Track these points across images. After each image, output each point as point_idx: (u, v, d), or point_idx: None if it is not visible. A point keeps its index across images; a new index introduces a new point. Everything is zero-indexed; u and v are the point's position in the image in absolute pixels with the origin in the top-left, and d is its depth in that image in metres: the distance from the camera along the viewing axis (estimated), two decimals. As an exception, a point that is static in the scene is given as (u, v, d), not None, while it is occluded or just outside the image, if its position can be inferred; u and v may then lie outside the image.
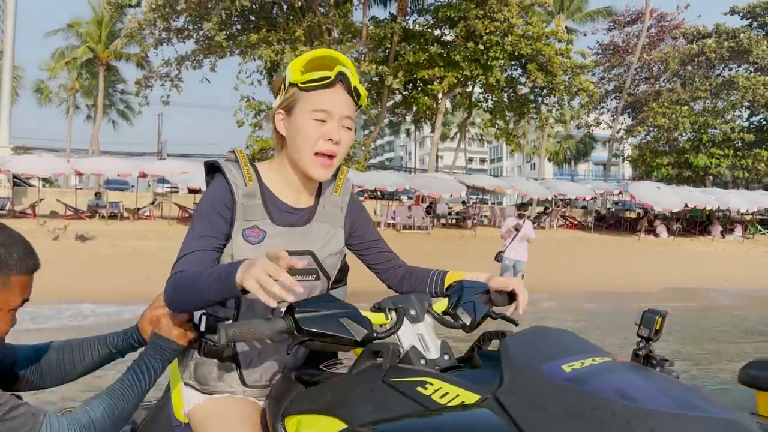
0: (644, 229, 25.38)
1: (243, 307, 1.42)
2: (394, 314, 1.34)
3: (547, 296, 11.57)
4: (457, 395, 1.06)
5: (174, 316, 1.38)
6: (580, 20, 36.51)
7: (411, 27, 24.42)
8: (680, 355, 7.14)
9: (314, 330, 1.18)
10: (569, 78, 23.85)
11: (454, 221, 25.21)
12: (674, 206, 23.83)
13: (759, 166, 31.38)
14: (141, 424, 1.65)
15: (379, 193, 24.86)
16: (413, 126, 36.53)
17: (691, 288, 14.64)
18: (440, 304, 1.42)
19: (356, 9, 24.14)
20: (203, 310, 1.35)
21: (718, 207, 25.48)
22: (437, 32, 24.21)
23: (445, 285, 1.53)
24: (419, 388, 1.11)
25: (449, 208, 26.65)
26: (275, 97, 1.49)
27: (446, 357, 1.30)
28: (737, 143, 30.72)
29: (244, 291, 1.15)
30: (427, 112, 25.71)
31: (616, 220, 28.47)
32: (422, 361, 1.26)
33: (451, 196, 23.50)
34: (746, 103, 31.37)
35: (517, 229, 10.19)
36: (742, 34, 30.24)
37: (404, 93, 25.15)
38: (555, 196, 26.11)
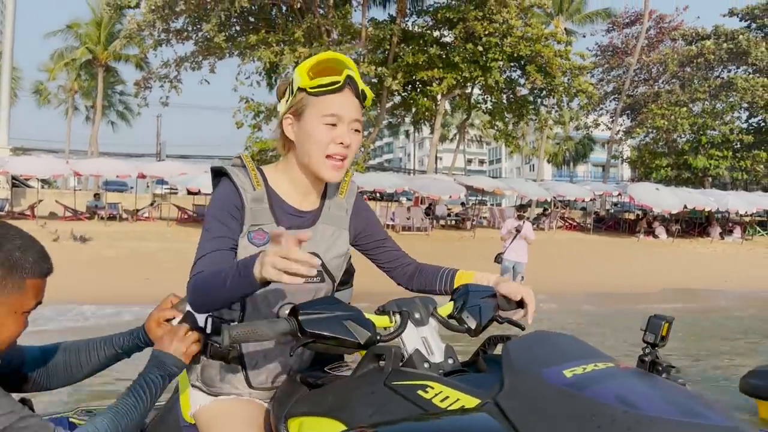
0: (643, 231, 25.40)
1: (248, 309, 1.43)
2: (398, 317, 1.33)
3: (546, 297, 11.55)
4: (458, 399, 1.06)
5: (177, 330, 1.39)
6: (579, 22, 36.56)
7: (410, 28, 24.43)
8: (680, 355, 7.14)
9: (317, 332, 1.18)
10: (568, 79, 23.88)
11: (453, 222, 25.21)
12: (673, 207, 23.85)
13: (758, 168, 31.42)
14: (150, 424, 1.67)
15: (378, 195, 24.86)
16: (412, 127, 36.58)
17: (690, 289, 14.64)
18: (445, 308, 1.41)
19: (355, 10, 24.17)
20: (209, 313, 1.35)
21: (717, 208, 25.50)
22: (436, 34, 24.22)
23: (455, 284, 1.53)
24: (420, 392, 1.11)
25: (448, 209, 26.66)
26: (279, 101, 1.50)
27: (450, 361, 1.30)
28: (736, 145, 30.76)
29: (266, 283, 1.16)
30: (426, 113, 25.72)
31: (615, 222, 28.48)
32: (426, 365, 1.26)
33: (450, 197, 23.53)
34: (745, 105, 31.42)
35: (518, 230, 10.20)
36: (740, 36, 30.29)
37: (403, 94, 25.17)
38: (554, 197, 26.13)
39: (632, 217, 29.62)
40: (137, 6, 21.13)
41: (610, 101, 36.61)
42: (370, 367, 1.26)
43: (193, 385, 1.52)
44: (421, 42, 23.11)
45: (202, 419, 1.48)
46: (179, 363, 1.36)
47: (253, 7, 21.94)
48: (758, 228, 29.16)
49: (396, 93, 24.56)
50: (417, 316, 1.34)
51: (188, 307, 1.43)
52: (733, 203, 25.14)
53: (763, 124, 31.82)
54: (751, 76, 30.78)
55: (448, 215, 25.74)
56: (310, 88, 1.39)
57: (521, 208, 11.37)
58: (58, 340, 1.58)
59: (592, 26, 37.20)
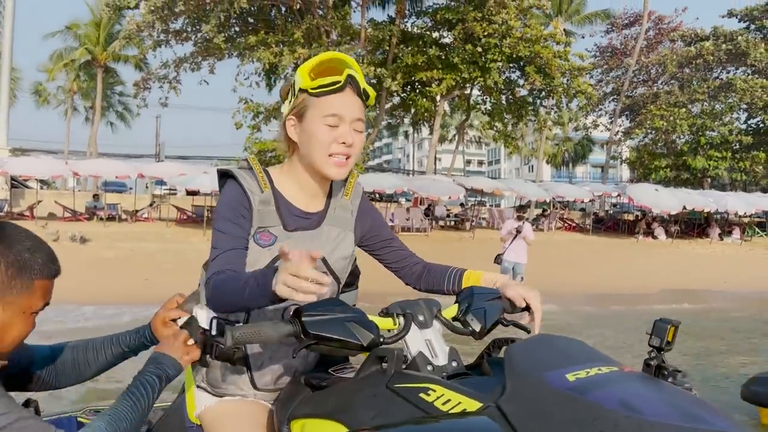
0: (642, 232, 25.41)
1: (253, 310, 1.43)
2: (401, 319, 1.32)
3: (545, 298, 11.47)
4: (459, 402, 1.05)
5: (179, 335, 1.39)
6: (578, 23, 36.57)
7: (409, 29, 24.42)
8: (679, 356, 7.14)
9: (320, 334, 1.18)
10: (567, 80, 23.88)
11: (452, 223, 25.23)
12: (672, 208, 23.87)
13: (757, 169, 31.45)
14: (156, 425, 1.69)
15: (377, 195, 24.86)
16: (411, 128, 36.58)
17: (689, 290, 14.65)
18: (450, 310, 1.41)
19: (355, 11, 24.19)
20: (214, 314, 1.35)
21: (716, 209, 25.52)
22: (435, 35, 24.22)
23: (463, 284, 1.53)
24: (422, 395, 1.10)
25: (447, 210, 26.66)
26: (283, 103, 1.50)
27: (454, 363, 1.29)
28: (735, 145, 30.77)
29: (281, 299, 1.16)
30: (426, 114, 25.73)
31: (615, 223, 28.50)
32: (429, 368, 1.25)
33: (449, 198, 23.54)
34: (744, 106, 31.45)
35: (518, 231, 10.22)
36: (739, 37, 30.32)
37: (402, 95, 25.17)
38: (553, 198, 26.14)
39: (631, 218, 29.64)
40: (136, 7, 21.11)
41: (609, 102, 36.64)
42: (373, 369, 1.25)
43: (198, 386, 1.53)
44: (420, 43, 23.11)
45: (207, 420, 1.48)
46: (177, 366, 1.36)
47: (252, 8, 21.94)
48: (757, 229, 29.19)
49: (395, 94, 24.56)
50: (421, 318, 1.33)
51: (194, 309, 1.43)
52: (732, 204, 25.17)
53: (762, 125, 31.84)
54: (750, 77, 30.81)
55: (448, 216, 25.75)
56: (311, 88, 1.39)
57: (521, 208, 11.39)
58: (58, 340, 1.59)
59: (591, 27, 37.23)
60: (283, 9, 22.75)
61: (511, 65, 23.67)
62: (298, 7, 21.19)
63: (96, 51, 34.79)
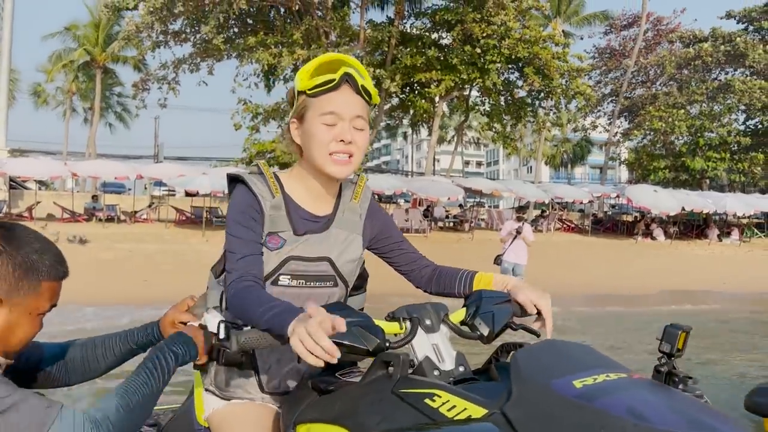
0: (641, 232, 25.42)
1: None
2: (408, 324, 1.31)
3: (545, 299, 11.55)
4: (465, 409, 1.04)
5: (198, 332, 1.40)
6: (576, 24, 36.60)
7: (408, 30, 24.44)
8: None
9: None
10: (566, 81, 23.90)
11: (451, 224, 25.23)
12: (671, 209, 23.89)
13: (755, 170, 31.50)
14: (165, 426, 1.70)
15: (376, 197, 24.78)
16: (410, 129, 36.58)
17: (688, 291, 14.67)
18: (458, 314, 1.39)
19: (354, 12, 24.19)
20: (221, 318, 1.35)
21: (715, 210, 25.55)
22: (434, 36, 24.23)
23: (474, 287, 1.52)
24: (427, 400, 1.09)
25: (446, 211, 26.66)
26: (291, 108, 1.51)
27: (461, 368, 1.28)
28: (734, 147, 30.80)
29: None
30: (424, 115, 25.74)
31: (613, 224, 28.51)
32: (436, 372, 1.24)
33: (448, 199, 23.54)
34: (742, 107, 31.48)
35: (518, 231, 10.24)
36: (738, 38, 30.36)
37: (401, 96, 25.18)
38: (552, 199, 26.16)
39: (630, 219, 29.65)
40: (135, 8, 21.10)
41: (608, 103, 36.67)
42: (379, 374, 1.25)
43: (206, 389, 1.53)
44: (419, 44, 23.12)
45: (215, 422, 1.49)
46: (195, 350, 1.37)
47: (251, 9, 21.95)
48: (756, 230, 29.22)
49: (394, 95, 24.57)
50: (428, 322, 1.32)
51: (205, 315, 1.44)
52: (731, 205, 25.20)
53: (760, 126, 31.87)
54: (748, 78, 30.84)
55: (447, 217, 25.76)
56: (309, 89, 1.40)
57: (520, 209, 11.40)
58: (58, 341, 1.59)
59: (590, 28, 37.24)
60: (282, 10, 22.76)
61: (509, 66, 23.70)
62: (297, 8, 21.21)
63: (95, 52, 34.77)
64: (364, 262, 1.60)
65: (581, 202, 28.10)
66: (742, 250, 23.95)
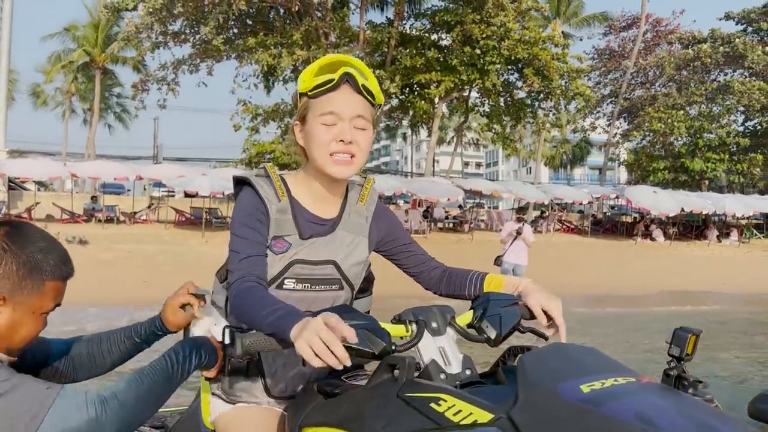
0: (641, 233, 25.43)
1: None
2: (414, 326, 1.30)
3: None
4: (471, 413, 1.03)
5: (218, 344, 1.41)
6: (576, 25, 36.62)
7: (408, 31, 24.45)
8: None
9: None
10: (565, 82, 23.91)
11: (451, 225, 25.22)
12: (671, 210, 23.90)
13: (754, 171, 31.51)
14: (172, 429, 1.70)
15: (377, 198, 24.83)
16: (410, 130, 36.57)
17: (688, 291, 14.68)
18: (464, 317, 1.37)
19: (353, 13, 24.19)
20: (226, 323, 1.34)
21: (714, 211, 25.56)
22: (434, 37, 24.23)
23: (485, 288, 1.51)
24: (433, 405, 1.08)
25: (446, 212, 26.66)
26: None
27: (468, 372, 1.26)
28: (732, 148, 30.83)
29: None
30: (424, 116, 25.73)
31: (613, 225, 28.52)
32: (442, 376, 1.22)
33: (448, 200, 23.53)
34: (741, 108, 31.50)
35: (519, 232, 10.25)
36: (737, 39, 30.39)
37: (401, 97, 25.18)
38: (551, 200, 26.17)
39: (629, 220, 29.66)
40: (135, 8, 21.09)
41: (607, 104, 36.70)
42: (384, 377, 1.23)
43: (212, 393, 1.53)
44: (418, 45, 23.12)
45: (221, 426, 1.49)
46: (215, 356, 1.37)
47: (250, 10, 21.95)
48: (755, 231, 29.24)
49: (393, 96, 24.56)
50: (434, 325, 1.31)
51: (208, 323, 1.44)
52: (730, 206, 25.22)
53: (759, 127, 31.91)
54: (747, 79, 30.87)
55: (446, 218, 25.75)
56: (309, 90, 1.40)
57: (520, 210, 11.42)
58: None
59: (589, 30, 37.27)
60: (282, 11, 22.77)
61: (509, 67, 23.70)
62: (296, 8, 21.21)
63: (94, 53, 34.75)
64: (370, 265, 1.58)
65: (581, 203, 28.11)
66: (741, 251, 23.97)
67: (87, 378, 1.53)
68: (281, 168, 1.54)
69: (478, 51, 21.68)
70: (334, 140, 1.38)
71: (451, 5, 22.92)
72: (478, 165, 76.08)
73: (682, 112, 31.07)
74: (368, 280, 1.59)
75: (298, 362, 1.45)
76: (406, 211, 23.19)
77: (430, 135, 27.45)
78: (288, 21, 22.52)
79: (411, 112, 25.73)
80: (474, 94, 26.24)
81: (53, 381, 1.42)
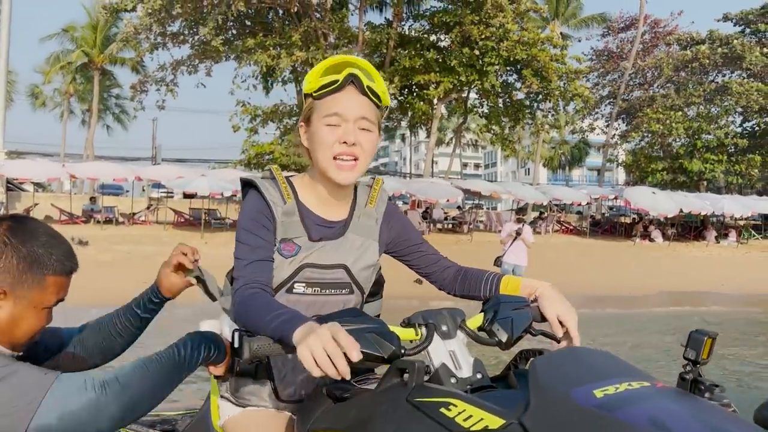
0: (639, 234, 25.45)
1: None
2: (424, 330, 1.28)
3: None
4: (481, 419, 1.01)
5: (227, 342, 1.39)
6: (574, 26, 36.66)
7: (407, 32, 24.47)
8: (680, 355, 7.13)
9: None
10: (564, 83, 23.93)
11: (450, 226, 25.22)
12: (669, 211, 23.92)
13: (752, 172, 31.55)
14: (183, 431, 1.71)
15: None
16: (408, 131, 36.59)
17: (687, 292, 14.69)
18: (475, 320, 1.35)
19: (352, 14, 24.20)
20: (235, 327, 1.34)
21: (713, 212, 25.59)
22: (433, 38, 24.25)
23: (501, 290, 1.48)
24: (443, 410, 1.06)
25: (445, 213, 26.66)
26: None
27: (479, 376, 1.24)
28: (731, 149, 30.88)
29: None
30: (423, 117, 25.73)
31: (611, 225, 28.54)
32: (453, 380, 1.21)
33: (447, 201, 23.54)
34: (739, 109, 31.55)
35: (518, 233, 10.26)
36: (735, 41, 30.44)
37: (400, 98, 25.18)
38: (550, 201, 26.19)
39: (628, 220, 29.69)
40: (134, 9, 21.09)
41: (606, 105, 36.73)
42: (394, 381, 1.21)
43: (221, 396, 1.52)
44: (417, 46, 23.14)
45: (230, 429, 1.49)
46: (222, 357, 1.35)
47: (249, 11, 21.95)
48: (753, 232, 29.27)
49: (392, 97, 24.57)
50: (444, 328, 1.29)
51: (214, 326, 1.43)
52: (729, 207, 25.25)
53: (757, 128, 31.97)
54: (745, 80, 30.92)
55: (445, 219, 25.75)
56: (314, 91, 1.39)
57: (520, 211, 11.43)
58: None
59: (588, 31, 37.30)
60: (281, 12, 22.76)
61: (508, 68, 23.71)
62: (295, 10, 21.20)
63: (93, 53, 34.70)
64: (380, 268, 1.57)
65: (579, 204, 28.13)
66: (740, 252, 24.00)
67: (100, 364, 1.53)
68: (281, 169, 1.53)
69: (476, 52, 21.70)
70: (338, 142, 1.37)
71: (449, 6, 22.94)
72: (477, 166, 76.12)
73: (680, 113, 31.11)
74: (378, 284, 1.58)
75: None
76: (405, 212, 23.13)
77: (428, 136, 27.46)
78: (287, 22, 22.53)
79: (410, 113, 25.73)
80: (473, 95, 26.26)
81: (69, 370, 1.45)
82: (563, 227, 27.53)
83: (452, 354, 1.26)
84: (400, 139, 59.74)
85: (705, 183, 32.87)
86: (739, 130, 32.66)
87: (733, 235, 26.94)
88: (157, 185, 25.95)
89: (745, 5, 32.52)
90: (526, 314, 1.34)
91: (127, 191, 27.14)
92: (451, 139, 39.77)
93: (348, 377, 1.06)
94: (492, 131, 26.20)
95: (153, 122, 41.27)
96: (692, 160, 30.54)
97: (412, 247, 1.59)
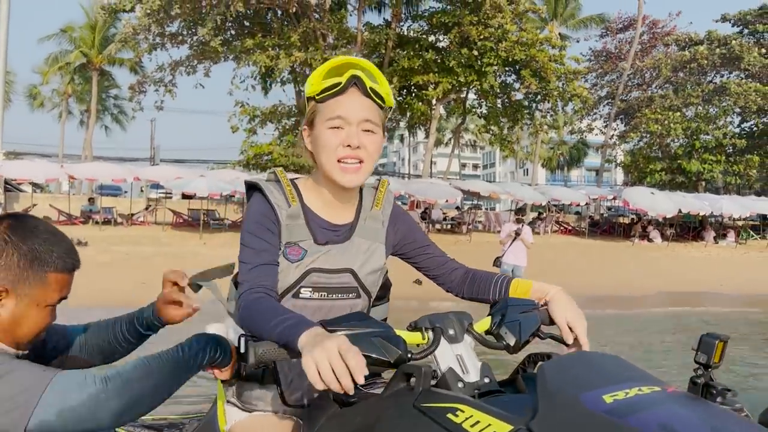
0: (638, 235, 25.48)
1: None
2: (431, 334, 1.27)
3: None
4: (489, 425, 0.99)
5: (233, 346, 1.38)
6: (573, 27, 36.71)
7: (405, 33, 24.48)
8: (680, 355, 7.15)
9: None
10: (563, 84, 23.95)
11: (449, 227, 25.23)
12: (668, 212, 23.94)
13: (751, 172, 31.58)
14: None
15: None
16: (407, 132, 36.60)
17: (686, 292, 14.70)
18: (482, 323, 1.34)
19: (351, 15, 24.20)
20: (242, 332, 1.34)
21: (711, 212, 25.62)
22: (431, 38, 24.26)
23: (510, 293, 1.47)
24: (450, 415, 1.05)
25: (444, 213, 26.66)
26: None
27: (486, 380, 1.22)
28: (729, 149, 30.92)
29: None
30: (422, 117, 25.75)
31: (610, 226, 28.57)
32: (460, 384, 1.19)
33: (446, 201, 23.55)
34: (738, 110, 31.59)
35: (517, 233, 10.26)
36: (733, 41, 30.48)
37: (398, 99, 25.20)
38: (549, 201, 26.21)
39: (627, 221, 29.72)
40: (132, 10, 21.07)
41: (604, 106, 36.76)
42: (400, 386, 1.20)
43: (228, 401, 1.52)
44: (416, 46, 23.15)
45: None
46: (228, 361, 1.34)
47: (248, 12, 21.94)
48: (751, 232, 29.30)
49: (391, 97, 24.58)
50: (451, 332, 1.27)
51: (219, 330, 1.42)
52: (727, 207, 25.28)
53: (755, 128, 32.03)
54: (743, 81, 30.95)
55: (444, 219, 25.76)
56: (317, 94, 1.38)
57: (519, 211, 11.43)
58: None
59: (586, 31, 37.36)
60: (280, 12, 22.76)
61: (506, 69, 23.74)
62: (294, 10, 21.20)
63: (91, 54, 34.67)
64: (387, 272, 1.55)
65: (578, 205, 28.15)
66: (738, 252, 24.03)
67: (101, 363, 1.53)
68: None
69: (475, 52, 21.71)
70: (342, 145, 1.36)
71: (448, 7, 22.95)
72: (475, 166, 76.17)
73: (678, 113, 31.14)
74: (385, 287, 1.56)
75: None
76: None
77: (427, 136, 27.46)
78: (286, 22, 22.52)
79: (408, 114, 25.75)
80: (471, 95, 26.27)
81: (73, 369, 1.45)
82: (562, 228, 27.55)
83: (459, 358, 1.25)
84: (398, 139, 59.73)
85: (703, 183, 32.91)
86: (737, 130, 32.72)
87: (731, 235, 26.98)
88: (156, 186, 25.92)
89: (743, 6, 32.60)
90: (534, 317, 1.33)
91: (126, 192, 27.12)
92: (450, 139, 39.78)
93: (351, 392, 1.05)
94: (491, 132, 26.22)
95: (151, 123, 41.27)
96: (691, 160, 30.57)
97: (419, 249, 1.58)
